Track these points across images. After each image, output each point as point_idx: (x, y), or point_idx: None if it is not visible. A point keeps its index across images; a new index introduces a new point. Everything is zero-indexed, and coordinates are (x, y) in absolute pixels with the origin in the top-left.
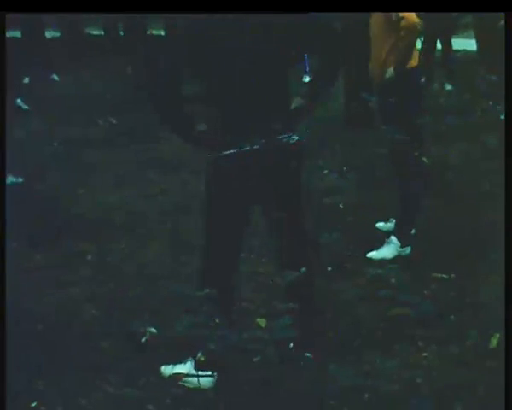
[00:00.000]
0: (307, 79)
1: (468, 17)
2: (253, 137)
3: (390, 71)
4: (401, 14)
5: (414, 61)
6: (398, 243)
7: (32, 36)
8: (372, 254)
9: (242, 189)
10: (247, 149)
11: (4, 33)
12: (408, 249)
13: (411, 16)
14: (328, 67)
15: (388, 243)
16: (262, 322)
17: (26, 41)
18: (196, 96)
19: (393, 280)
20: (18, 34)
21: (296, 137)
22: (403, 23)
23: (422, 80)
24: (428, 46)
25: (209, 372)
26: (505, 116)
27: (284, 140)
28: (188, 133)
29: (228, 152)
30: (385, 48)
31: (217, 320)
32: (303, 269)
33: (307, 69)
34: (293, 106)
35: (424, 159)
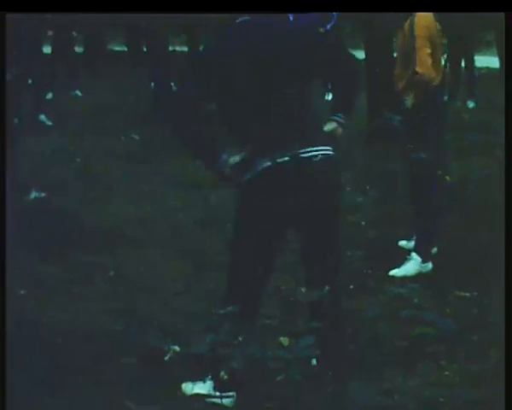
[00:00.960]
0: (330, 97)
1: (491, 35)
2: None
3: (409, 100)
4: (418, 69)
5: (437, 80)
6: (419, 259)
7: (61, 52)
8: (394, 272)
9: (274, 208)
10: (278, 163)
11: (4, 33)
12: (429, 266)
13: (430, 73)
14: (350, 80)
15: (409, 259)
16: (285, 341)
17: (56, 57)
18: (220, 118)
19: (416, 300)
20: (49, 50)
21: (330, 152)
22: (418, 78)
23: (445, 98)
24: (452, 64)
25: (230, 393)
26: (505, 117)
27: (314, 158)
28: (213, 165)
29: (262, 167)
30: (405, 75)
31: (240, 338)
32: (326, 288)
33: (329, 87)
34: (326, 129)
35: (447, 177)
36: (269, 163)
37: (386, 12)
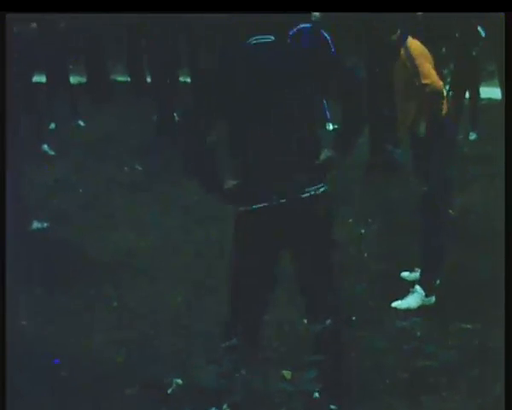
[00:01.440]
0: (331, 127)
1: (493, 65)
2: (280, 189)
3: (421, 129)
4: (425, 81)
5: (445, 110)
6: (423, 293)
7: (57, 82)
8: (397, 304)
9: (271, 241)
10: (275, 203)
11: (4, 33)
12: (433, 299)
13: (437, 82)
14: (354, 116)
15: (413, 292)
16: (288, 374)
17: (52, 87)
18: (222, 145)
19: (418, 333)
20: (43, 79)
21: (323, 189)
22: (427, 89)
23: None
24: (456, 95)
25: None
26: (505, 117)
27: (312, 192)
28: (215, 189)
29: (257, 206)
30: (411, 108)
31: (242, 371)
32: (328, 321)
33: (328, 117)
34: (321, 158)
35: (450, 211)
36: (265, 204)
37: (385, 12)
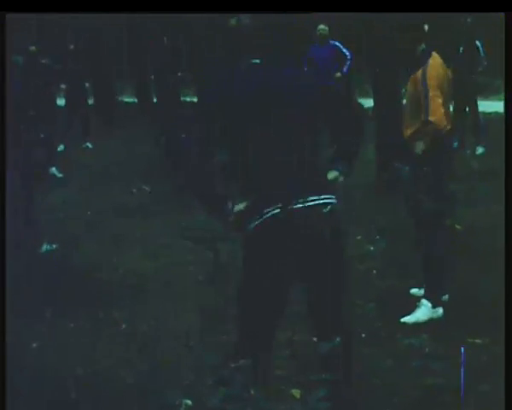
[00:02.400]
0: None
1: (499, 80)
2: (286, 205)
3: (419, 148)
4: (430, 118)
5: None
6: (430, 305)
7: (73, 104)
8: (406, 319)
9: (279, 256)
10: (284, 211)
11: (4, 33)
12: (440, 310)
13: (441, 121)
14: (353, 143)
15: (419, 305)
16: (297, 393)
17: (67, 109)
18: (228, 167)
19: (426, 350)
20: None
21: (330, 206)
22: (430, 127)
23: (455, 144)
24: (458, 110)
25: None
26: (505, 117)
27: (319, 209)
28: (221, 214)
29: (265, 216)
30: (413, 125)
31: (252, 392)
32: (338, 339)
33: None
34: (328, 177)
35: (457, 226)
36: (277, 210)
37: (385, 12)
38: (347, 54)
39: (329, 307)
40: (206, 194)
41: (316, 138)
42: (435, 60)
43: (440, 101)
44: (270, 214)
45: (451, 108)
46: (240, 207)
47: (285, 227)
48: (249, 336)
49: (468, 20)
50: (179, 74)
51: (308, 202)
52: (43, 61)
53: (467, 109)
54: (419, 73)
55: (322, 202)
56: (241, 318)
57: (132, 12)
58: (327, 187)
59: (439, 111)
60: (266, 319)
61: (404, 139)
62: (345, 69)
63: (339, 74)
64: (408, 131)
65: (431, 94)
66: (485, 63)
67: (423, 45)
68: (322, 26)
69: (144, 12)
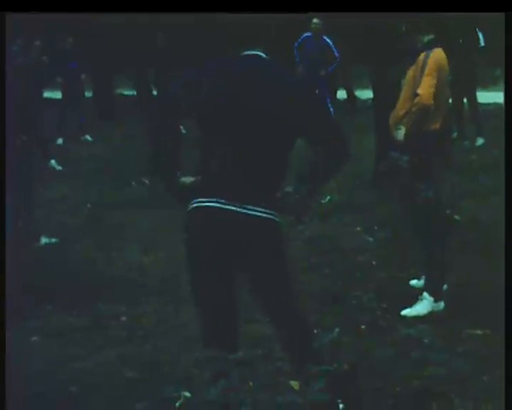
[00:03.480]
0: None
1: (499, 70)
2: (232, 197)
3: (400, 132)
4: (418, 91)
5: (437, 124)
6: (432, 299)
7: (71, 97)
8: (406, 312)
9: (222, 249)
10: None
11: (4, 33)
12: (441, 304)
13: (427, 97)
14: (326, 155)
15: (421, 299)
16: (295, 385)
17: (65, 102)
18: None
19: (426, 340)
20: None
21: (272, 217)
22: (416, 100)
23: (454, 135)
24: (456, 100)
25: None
26: (505, 117)
27: (259, 214)
28: (170, 185)
29: (204, 204)
30: (401, 110)
31: (250, 384)
32: (336, 330)
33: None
34: (283, 190)
35: (456, 217)
36: (213, 204)
37: (385, 12)
38: (337, 55)
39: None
40: (160, 166)
41: (283, 146)
42: (439, 51)
43: (433, 81)
44: (205, 204)
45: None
46: (188, 179)
47: (225, 214)
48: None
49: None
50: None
51: (246, 209)
52: (42, 56)
53: (465, 100)
54: (422, 55)
55: (258, 214)
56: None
57: (131, 12)
58: (277, 200)
59: (428, 88)
60: (215, 306)
61: (392, 119)
62: (330, 69)
63: (323, 72)
64: (399, 113)
65: (427, 72)
66: (483, 53)
67: (431, 36)
68: (315, 20)
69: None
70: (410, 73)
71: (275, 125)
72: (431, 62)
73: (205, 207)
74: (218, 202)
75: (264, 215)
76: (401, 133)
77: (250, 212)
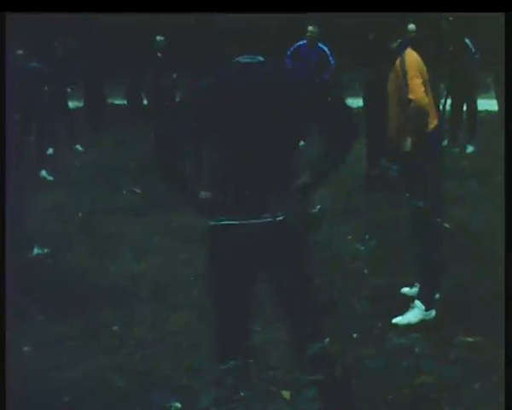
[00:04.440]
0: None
1: (490, 77)
2: (253, 210)
3: (407, 144)
4: (411, 96)
5: (432, 125)
6: (423, 307)
7: (61, 107)
8: (397, 320)
9: (246, 259)
10: (246, 222)
11: (4, 33)
12: (433, 313)
13: (422, 99)
14: (338, 142)
15: (413, 307)
16: (287, 394)
17: (55, 111)
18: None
19: (417, 349)
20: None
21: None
22: (412, 105)
23: (445, 142)
24: (454, 108)
25: None
26: (505, 117)
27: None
28: (190, 200)
29: (227, 222)
30: (399, 121)
31: (242, 394)
32: (327, 339)
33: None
34: (298, 182)
35: (446, 225)
36: (235, 222)
37: (385, 12)
38: (332, 63)
39: (304, 308)
40: (175, 178)
41: (293, 142)
42: (411, 53)
43: (419, 81)
44: (226, 223)
45: (441, 105)
46: (207, 194)
47: (247, 228)
48: (223, 336)
49: (450, 18)
50: (174, 76)
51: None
52: (32, 64)
53: (464, 107)
54: (398, 61)
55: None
56: (213, 316)
57: (131, 12)
58: (295, 193)
59: (418, 90)
60: (234, 316)
61: (389, 135)
62: (325, 76)
63: (317, 81)
64: (393, 124)
65: (410, 75)
66: (477, 60)
67: (399, 40)
68: (311, 28)
69: (138, 12)
70: (392, 80)
71: (280, 128)
72: (409, 66)
73: (227, 226)
74: (239, 219)
75: (281, 220)
76: (408, 144)
77: (265, 220)
